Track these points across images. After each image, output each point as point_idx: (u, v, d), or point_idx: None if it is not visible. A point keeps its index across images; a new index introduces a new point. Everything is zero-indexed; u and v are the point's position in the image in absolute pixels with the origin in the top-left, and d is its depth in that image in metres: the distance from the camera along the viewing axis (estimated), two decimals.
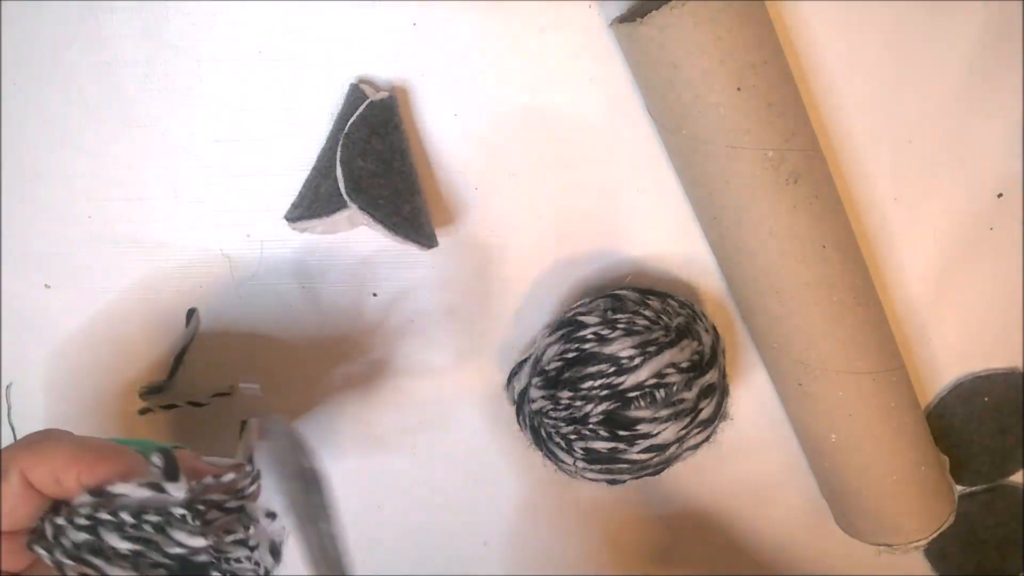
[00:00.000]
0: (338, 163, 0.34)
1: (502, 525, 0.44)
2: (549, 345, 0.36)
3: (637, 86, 0.36)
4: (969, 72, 0.37)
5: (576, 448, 0.35)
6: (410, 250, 0.36)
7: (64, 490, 0.28)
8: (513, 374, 0.38)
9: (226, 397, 0.41)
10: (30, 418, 0.41)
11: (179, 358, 0.40)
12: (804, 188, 0.33)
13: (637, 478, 0.37)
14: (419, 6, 0.35)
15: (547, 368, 0.35)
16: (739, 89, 0.31)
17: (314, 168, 0.36)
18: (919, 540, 0.39)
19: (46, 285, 0.39)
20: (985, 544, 0.45)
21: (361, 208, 0.34)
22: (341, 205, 0.35)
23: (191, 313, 0.39)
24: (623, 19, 0.34)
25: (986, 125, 0.38)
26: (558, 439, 0.35)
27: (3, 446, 0.41)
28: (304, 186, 0.36)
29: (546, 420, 0.35)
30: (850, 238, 0.36)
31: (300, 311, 0.40)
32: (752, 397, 0.42)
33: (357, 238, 0.38)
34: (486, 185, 0.38)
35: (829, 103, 0.37)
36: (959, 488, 0.43)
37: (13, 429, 0.42)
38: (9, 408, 0.41)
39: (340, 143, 0.35)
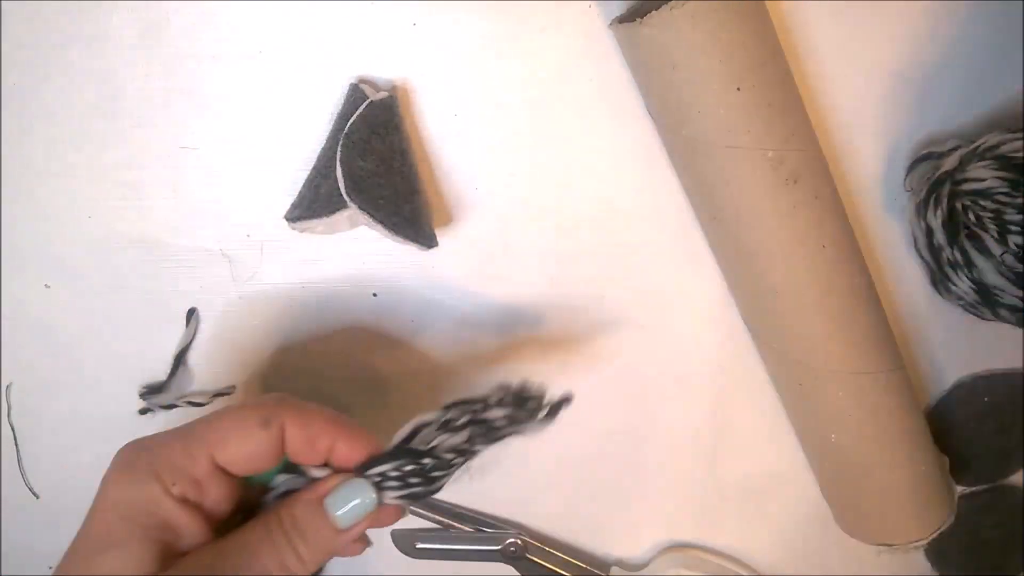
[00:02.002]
0: (338, 163, 0.35)
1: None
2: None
3: (637, 86, 0.36)
4: (969, 72, 0.37)
5: (1012, 241, 0.34)
6: (410, 250, 0.36)
7: (309, 456, 0.30)
8: (922, 159, 0.37)
9: (226, 397, 0.41)
10: (30, 418, 0.41)
11: (180, 358, 0.40)
12: (804, 188, 0.33)
13: None
14: (419, 6, 0.35)
15: (1011, 155, 0.34)
16: (739, 89, 0.31)
17: (314, 168, 0.36)
18: (919, 540, 0.39)
19: (46, 285, 0.39)
20: (985, 544, 0.45)
21: (361, 208, 0.34)
22: (341, 205, 0.35)
23: (191, 313, 0.39)
24: (622, 19, 0.34)
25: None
26: (992, 225, 0.34)
27: (3, 446, 0.41)
28: (304, 186, 0.36)
29: (982, 202, 0.34)
30: (850, 238, 0.36)
31: (300, 311, 0.40)
32: (752, 397, 0.42)
33: (357, 238, 0.38)
34: (486, 185, 0.38)
35: (829, 103, 0.37)
36: (959, 488, 0.43)
37: (13, 429, 0.42)
38: (9, 408, 0.41)
39: (340, 143, 0.35)
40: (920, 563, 0.46)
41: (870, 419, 0.36)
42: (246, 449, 0.29)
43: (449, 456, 0.30)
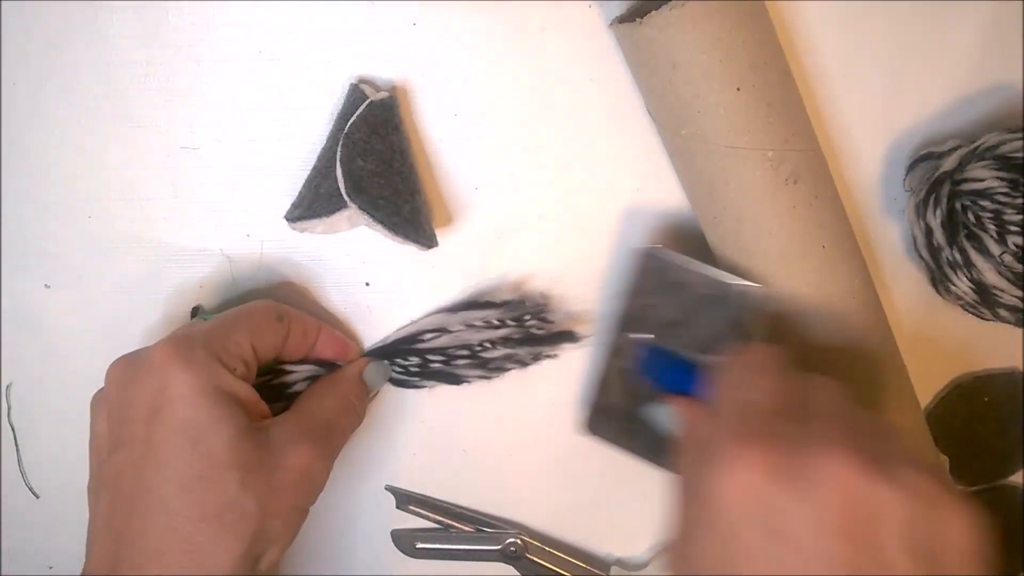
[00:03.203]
0: (338, 163, 0.35)
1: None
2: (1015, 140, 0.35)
3: (637, 86, 0.36)
4: (969, 72, 0.37)
5: (1011, 242, 0.34)
6: (410, 250, 0.36)
7: (300, 346, 0.36)
8: (922, 159, 0.37)
9: None
10: (30, 418, 0.41)
11: None
12: (804, 188, 0.33)
13: None
14: (419, 6, 0.35)
15: (1011, 155, 0.34)
16: (739, 89, 0.31)
17: (314, 168, 0.36)
18: None
19: (46, 285, 0.39)
20: (985, 544, 0.45)
21: (361, 208, 0.34)
22: (341, 205, 0.35)
23: (196, 310, 0.39)
24: (623, 19, 0.34)
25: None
26: (992, 226, 0.34)
27: (3, 446, 0.41)
28: (304, 186, 0.37)
29: (982, 202, 0.34)
30: (850, 238, 0.36)
31: (300, 311, 0.40)
32: None
33: (357, 238, 0.38)
34: (486, 185, 0.38)
35: (829, 103, 0.37)
36: (959, 488, 0.43)
37: (13, 429, 0.42)
38: (9, 408, 0.41)
39: (340, 143, 0.35)
40: None
41: None
42: (269, 337, 0.34)
43: (433, 368, 0.39)
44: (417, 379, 0.40)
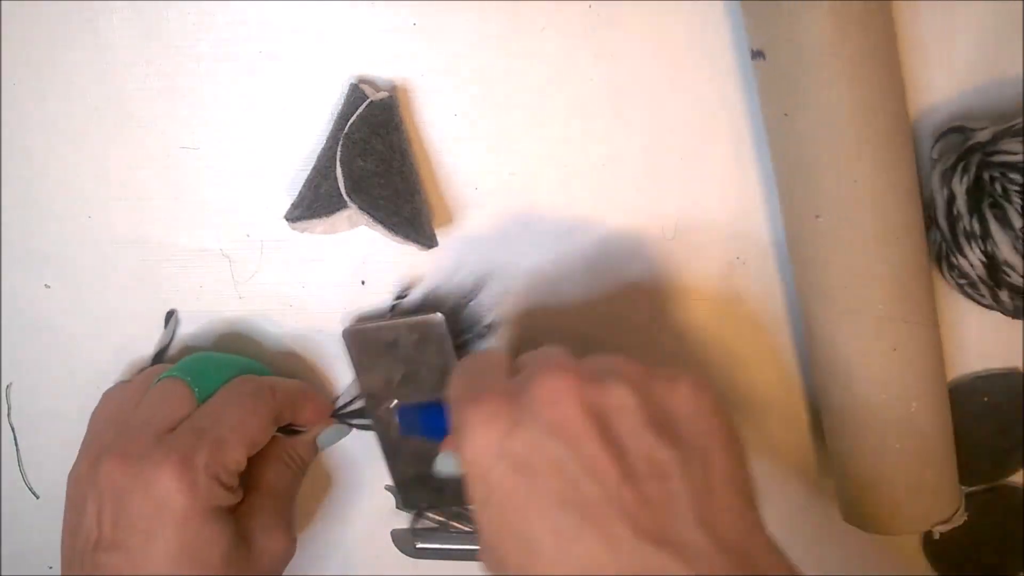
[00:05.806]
0: (338, 163, 0.35)
1: None
2: None
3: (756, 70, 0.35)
4: (969, 72, 0.37)
5: None
6: (410, 250, 0.36)
7: (285, 421, 0.39)
8: (953, 131, 0.37)
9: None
10: (30, 418, 0.41)
11: (158, 358, 0.40)
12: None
13: None
14: (419, 6, 0.35)
15: None
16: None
17: (314, 168, 0.36)
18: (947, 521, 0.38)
19: (46, 285, 0.39)
20: (985, 544, 0.45)
21: (361, 208, 0.34)
22: (341, 205, 0.35)
23: (170, 315, 0.40)
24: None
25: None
26: (1018, 199, 0.34)
27: (3, 446, 0.42)
28: (304, 186, 0.37)
29: (1012, 175, 0.34)
30: (913, 175, 0.36)
31: (300, 311, 0.40)
32: (753, 397, 0.42)
33: (357, 238, 0.38)
34: (486, 185, 0.38)
35: None
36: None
37: (13, 429, 0.42)
38: (9, 408, 0.41)
39: (340, 143, 0.35)
40: (920, 563, 0.46)
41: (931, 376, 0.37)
42: (264, 440, 0.37)
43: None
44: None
